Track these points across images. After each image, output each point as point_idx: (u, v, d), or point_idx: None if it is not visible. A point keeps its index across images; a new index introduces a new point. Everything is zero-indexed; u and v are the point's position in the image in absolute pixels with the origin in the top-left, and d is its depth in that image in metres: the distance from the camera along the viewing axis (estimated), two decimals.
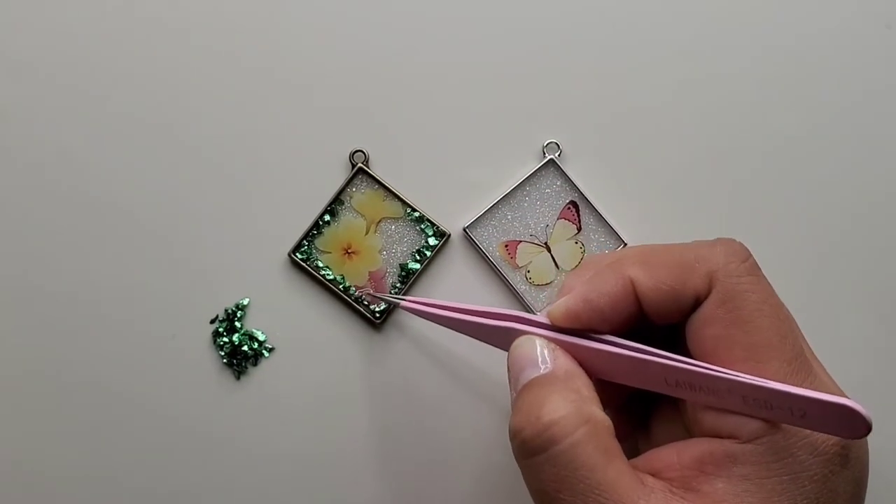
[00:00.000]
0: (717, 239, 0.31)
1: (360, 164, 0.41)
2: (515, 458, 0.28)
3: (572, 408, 0.27)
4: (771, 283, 0.30)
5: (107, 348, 0.40)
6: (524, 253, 0.41)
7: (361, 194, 0.41)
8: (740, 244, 0.30)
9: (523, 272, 0.41)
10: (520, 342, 0.30)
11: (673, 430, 0.31)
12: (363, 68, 0.41)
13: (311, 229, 0.40)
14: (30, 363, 0.40)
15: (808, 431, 0.27)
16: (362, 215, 0.41)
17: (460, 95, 0.41)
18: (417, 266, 0.41)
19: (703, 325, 0.29)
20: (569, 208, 0.41)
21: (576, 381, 0.29)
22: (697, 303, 0.29)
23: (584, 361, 0.30)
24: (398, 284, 0.41)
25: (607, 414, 0.34)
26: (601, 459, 0.26)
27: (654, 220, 0.41)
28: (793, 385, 0.27)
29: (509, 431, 0.28)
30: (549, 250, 0.41)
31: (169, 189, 0.41)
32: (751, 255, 0.29)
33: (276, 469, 0.40)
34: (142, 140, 0.41)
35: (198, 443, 0.40)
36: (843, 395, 0.28)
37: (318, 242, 0.41)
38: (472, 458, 0.41)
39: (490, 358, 0.40)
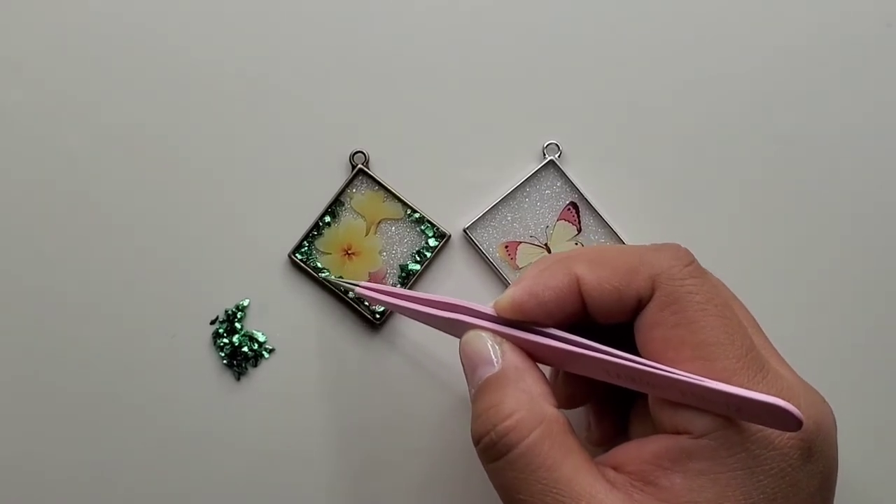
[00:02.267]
0: (664, 244, 0.31)
1: (360, 165, 0.41)
2: (481, 462, 0.30)
3: (525, 409, 0.28)
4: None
5: (107, 349, 0.40)
6: (524, 254, 0.41)
7: (361, 195, 0.41)
8: (685, 249, 0.31)
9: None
10: (469, 337, 0.31)
11: (646, 426, 0.31)
12: (363, 69, 0.41)
13: (311, 230, 0.41)
14: (29, 363, 0.40)
15: (760, 426, 0.27)
16: (362, 216, 0.41)
17: (460, 96, 0.41)
18: (417, 267, 0.41)
19: (649, 328, 0.29)
20: (569, 209, 0.41)
21: (526, 380, 0.29)
22: (641, 304, 0.29)
23: (534, 353, 0.30)
24: (398, 286, 0.41)
25: (589, 410, 0.35)
26: (557, 457, 0.28)
27: (654, 220, 0.41)
28: (742, 381, 0.27)
29: (471, 437, 0.30)
30: (549, 251, 0.41)
31: (169, 190, 0.41)
32: (694, 259, 0.30)
33: (277, 470, 0.40)
34: (142, 141, 0.41)
35: (198, 444, 0.40)
36: (802, 387, 0.29)
37: (319, 243, 0.41)
38: (472, 457, 0.41)
39: None
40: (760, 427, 0.27)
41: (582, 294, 0.30)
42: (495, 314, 0.31)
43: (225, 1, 0.41)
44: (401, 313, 0.34)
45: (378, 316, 0.40)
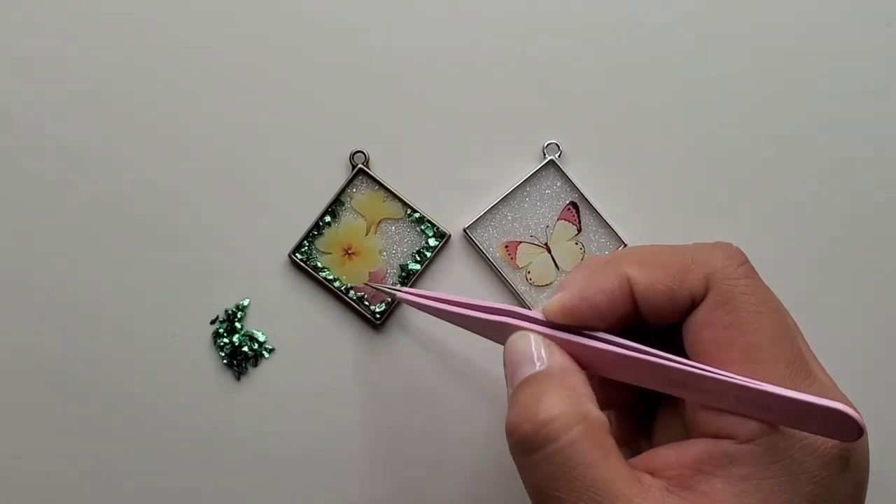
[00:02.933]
0: (716, 242, 0.31)
1: (360, 165, 0.41)
2: (512, 454, 0.28)
3: (569, 405, 0.27)
4: (770, 283, 0.30)
5: (107, 348, 0.40)
6: (524, 254, 0.41)
7: (362, 195, 0.41)
8: (737, 248, 0.30)
9: (523, 273, 0.41)
10: (515, 338, 0.30)
11: (674, 431, 0.31)
12: (364, 69, 0.41)
13: (311, 230, 0.41)
14: (30, 363, 0.40)
15: (806, 433, 0.26)
16: (362, 216, 0.41)
17: (460, 96, 0.41)
18: (418, 267, 0.41)
19: (700, 328, 0.29)
20: (569, 209, 0.41)
21: (571, 379, 0.29)
22: (693, 304, 0.29)
23: (579, 358, 0.30)
24: (399, 285, 0.41)
25: (612, 415, 0.34)
26: (597, 457, 0.26)
27: (654, 220, 0.41)
28: (789, 387, 0.26)
29: (506, 428, 0.28)
30: (549, 251, 0.41)
31: (169, 189, 0.41)
32: (747, 259, 0.29)
33: (277, 470, 0.40)
34: (142, 140, 0.41)
35: (198, 443, 0.40)
36: (842, 397, 0.28)
37: (319, 243, 0.41)
38: (472, 458, 0.41)
39: (490, 358, 0.40)
40: (806, 434, 0.26)
41: (634, 295, 0.29)
42: (544, 318, 0.30)
43: (225, 2, 0.41)
44: (442, 318, 0.34)
45: (378, 316, 0.40)
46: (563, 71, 0.42)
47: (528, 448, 0.27)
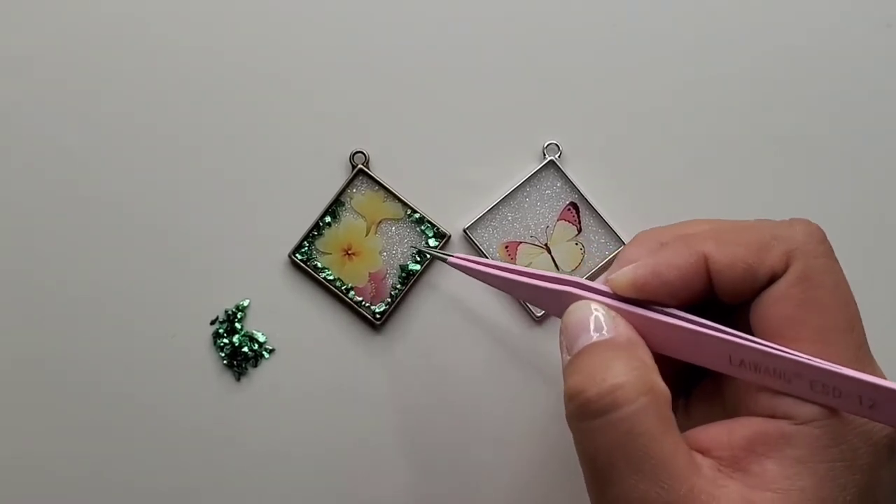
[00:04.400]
0: (793, 218, 0.30)
1: (360, 166, 0.40)
2: (569, 420, 0.27)
3: (636, 374, 0.26)
4: None
5: (107, 349, 0.40)
6: (524, 254, 0.41)
7: (361, 195, 0.41)
8: (817, 226, 0.29)
9: None
10: (578, 306, 0.29)
11: (713, 408, 0.30)
12: (363, 69, 0.41)
13: (311, 230, 0.40)
14: (29, 363, 0.40)
15: (864, 419, 0.26)
16: (362, 216, 0.41)
17: (460, 96, 0.41)
18: (418, 267, 0.41)
19: (773, 304, 0.28)
20: (569, 209, 0.41)
21: (638, 350, 0.28)
22: (772, 281, 0.28)
23: (643, 333, 0.29)
24: (399, 286, 0.41)
25: None
26: (660, 430, 0.26)
27: (654, 220, 0.41)
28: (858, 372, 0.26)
29: (567, 392, 0.27)
30: (549, 251, 0.41)
31: (169, 190, 0.41)
32: (826, 237, 0.29)
33: (277, 470, 0.40)
34: (142, 141, 0.41)
35: (198, 444, 0.40)
36: None
37: (319, 244, 0.41)
38: (472, 459, 0.41)
39: (491, 358, 0.41)
40: (863, 421, 0.26)
41: (710, 273, 0.28)
42: (608, 290, 0.29)
43: (225, 2, 0.41)
44: (496, 286, 0.32)
45: (378, 316, 0.40)
46: (564, 71, 0.42)
47: (592, 413, 0.26)
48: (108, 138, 0.41)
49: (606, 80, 0.42)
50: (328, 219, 0.41)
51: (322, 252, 0.41)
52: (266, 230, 0.41)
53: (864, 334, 0.28)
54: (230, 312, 0.41)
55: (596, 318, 0.28)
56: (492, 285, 0.33)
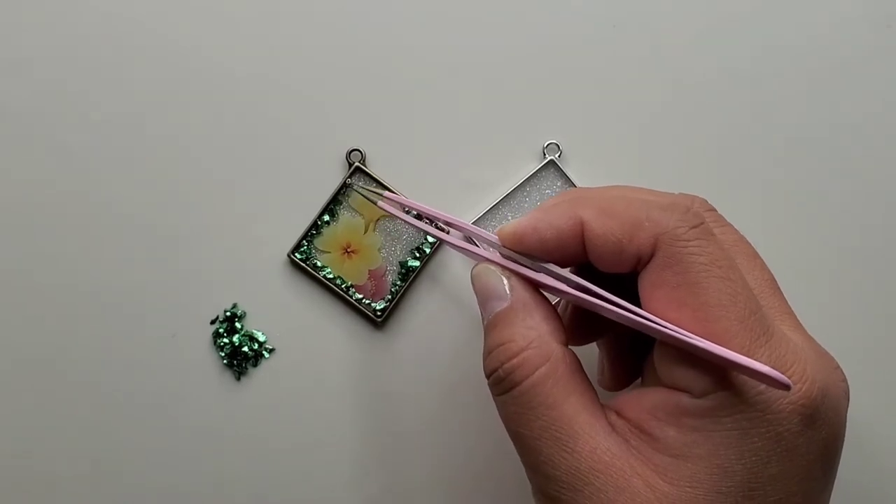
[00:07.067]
0: (678, 196, 0.31)
1: (356, 164, 0.41)
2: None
3: (532, 349, 0.29)
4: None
5: (107, 348, 0.40)
6: None
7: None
8: (701, 202, 0.31)
9: None
10: (479, 270, 0.32)
11: (656, 377, 0.31)
12: (360, 67, 0.41)
13: (310, 229, 0.41)
14: (30, 363, 0.40)
15: (763, 387, 0.27)
16: (361, 214, 0.41)
17: (460, 96, 0.41)
18: (417, 263, 0.41)
19: (651, 286, 0.29)
20: None
21: (535, 316, 0.30)
22: (640, 262, 0.29)
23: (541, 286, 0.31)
24: (399, 282, 0.41)
25: (604, 352, 0.35)
26: (560, 396, 0.29)
27: None
28: (743, 343, 0.27)
29: (483, 371, 0.31)
30: None
31: (168, 189, 0.41)
32: (704, 219, 0.29)
33: (277, 469, 0.40)
34: (141, 140, 0.41)
35: (198, 443, 0.40)
36: (815, 351, 0.29)
37: (318, 242, 0.41)
38: (473, 457, 0.41)
39: None
40: (761, 391, 0.27)
41: (584, 240, 0.30)
42: (497, 241, 0.32)
43: (222, 2, 0.41)
44: (416, 228, 0.36)
45: (379, 314, 0.40)
46: (563, 71, 0.42)
47: (499, 390, 0.30)
48: (108, 138, 0.41)
49: (606, 80, 0.42)
50: (327, 217, 0.41)
51: (321, 251, 0.41)
52: (265, 230, 0.41)
53: (756, 303, 0.28)
54: (230, 312, 0.41)
55: (494, 283, 0.31)
56: (415, 228, 0.36)
